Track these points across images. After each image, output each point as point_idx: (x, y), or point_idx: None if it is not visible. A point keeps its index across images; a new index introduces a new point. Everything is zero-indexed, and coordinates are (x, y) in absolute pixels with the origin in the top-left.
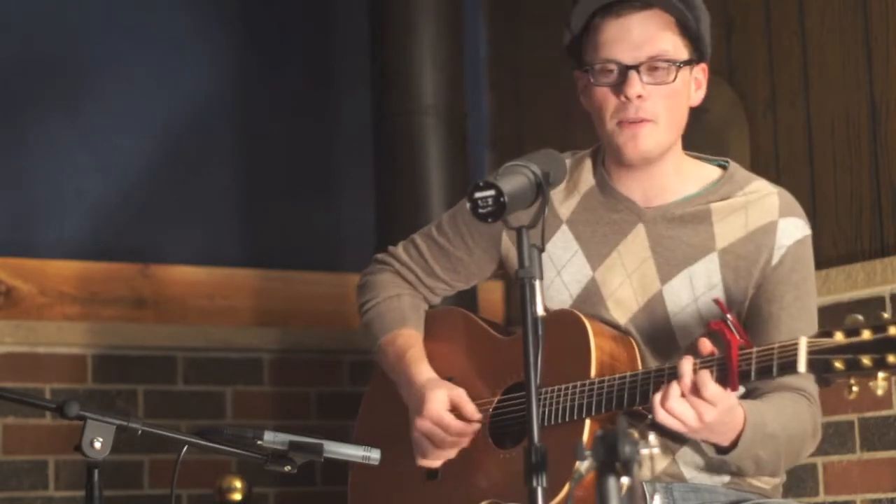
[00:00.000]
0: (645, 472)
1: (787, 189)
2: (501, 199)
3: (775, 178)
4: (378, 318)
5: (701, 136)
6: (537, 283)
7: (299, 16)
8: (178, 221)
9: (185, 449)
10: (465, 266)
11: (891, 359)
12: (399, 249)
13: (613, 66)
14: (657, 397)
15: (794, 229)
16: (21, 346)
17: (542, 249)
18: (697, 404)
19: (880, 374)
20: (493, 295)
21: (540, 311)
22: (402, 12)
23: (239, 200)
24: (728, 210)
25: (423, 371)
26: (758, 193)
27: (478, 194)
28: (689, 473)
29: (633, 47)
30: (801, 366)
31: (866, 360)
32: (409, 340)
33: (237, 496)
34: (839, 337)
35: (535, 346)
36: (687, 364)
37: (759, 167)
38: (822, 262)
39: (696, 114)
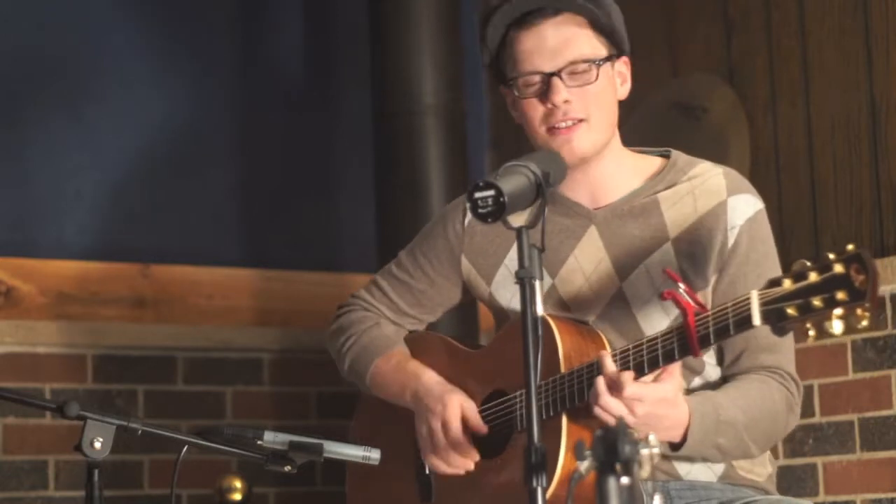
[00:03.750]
0: (643, 472)
1: (788, 189)
2: (501, 199)
3: (775, 178)
4: (363, 350)
5: (701, 136)
6: (537, 283)
7: (299, 16)
8: (178, 221)
9: (185, 449)
10: (428, 298)
11: (839, 295)
12: (361, 292)
13: (536, 77)
14: (591, 394)
15: (745, 206)
16: (21, 346)
17: (541, 249)
18: (625, 398)
19: (834, 313)
20: None
21: (540, 311)
22: (402, 12)
23: (239, 200)
24: (675, 197)
25: (433, 375)
26: (703, 176)
27: (478, 194)
28: (683, 468)
29: (552, 55)
30: (756, 319)
31: (817, 302)
32: (404, 356)
33: (237, 496)
34: (788, 284)
35: (535, 346)
36: (607, 360)
37: (759, 167)
38: None
39: (696, 114)
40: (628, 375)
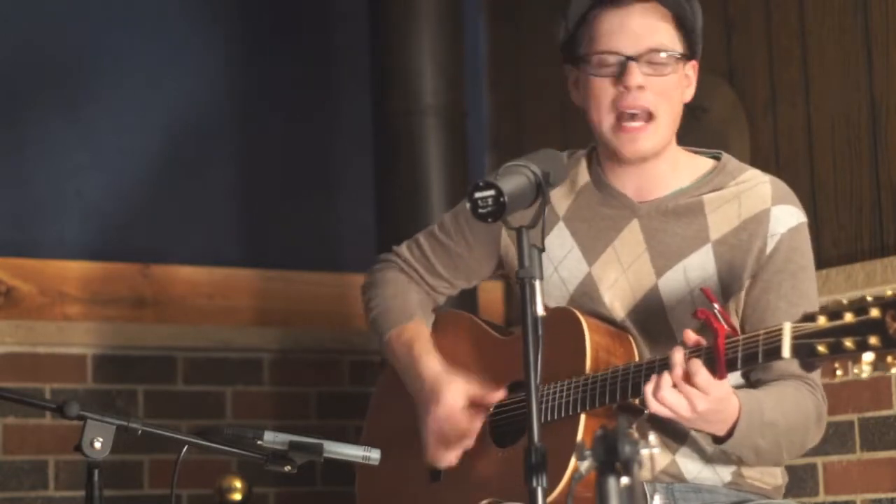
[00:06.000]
0: (645, 472)
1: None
2: (501, 199)
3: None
4: (384, 313)
5: (701, 136)
6: (537, 283)
7: (299, 16)
8: (178, 221)
9: (185, 449)
10: (465, 263)
11: (872, 340)
12: (402, 248)
13: (613, 58)
14: (649, 388)
15: (788, 217)
16: (21, 346)
17: (542, 249)
18: (689, 393)
19: (864, 357)
20: (492, 295)
21: (540, 311)
22: (402, 12)
23: (239, 200)
24: (720, 201)
25: (433, 364)
26: (750, 182)
27: (478, 194)
28: (690, 473)
29: (634, 38)
30: (786, 351)
31: (849, 343)
32: (416, 334)
33: (237, 496)
34: (822, 321)
35: (535, 346)
36: (678, 353)
37: (759, 167)
38: (822, 262)
39: (696, 114)
40: (698, 363)
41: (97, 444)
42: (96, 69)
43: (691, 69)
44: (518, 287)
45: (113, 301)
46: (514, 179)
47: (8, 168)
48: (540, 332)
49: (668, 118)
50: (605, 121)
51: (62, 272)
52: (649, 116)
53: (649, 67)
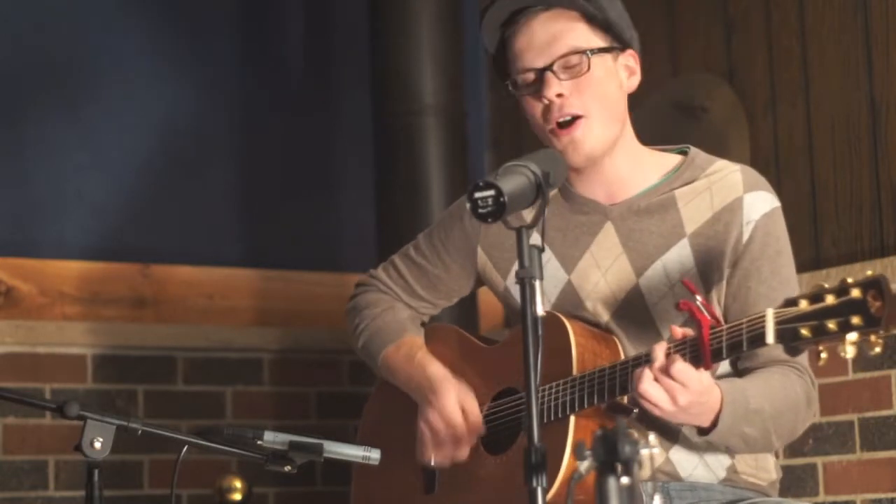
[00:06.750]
0: (644, 472)
1: (788, 189)
2: (501, 199)
3: (775, 178)
4: (375, 334)
5: (701, 136)
6: (537, 283)
7: (299, 16)
8: (178, 221)
9: (185, 449)
10: (443, 283)
11: (855, 320)
12: (379, 272)
13: (530, 74)
14: (634, 381)
15: (761, 203)
16: (21, 346)
17: (542, 249)
18: (669, 386)
19: (847, 338)
20: (493, 297)
21: (540, 311)
22: (402, 12)
23: (239, 200)
24: (692, 194)
25: (438, 367)
26: (720, 173)
27: (477, 194)
28: (685, 470)
29: (542, 49)
30: (770, 337)
31: (832, 325)
32: (415, 345)
33: (237, 496)
34: (804, 304)
35: (535, 346)
36: (659, 348)
37: (759, 167)
38: (821, 261)
39: (696, 114)
40: (675, 356)
41: (97, 444)
42: (96, 69)
43: (630, 58)
44: (518, 287)
45: (113, 301)
46: (514, 179)
47: (8, 168)
48: (540, 332)
49: (604, 114)
50: (544, 135)
51: (62, 272)
52: (578, 117)
53: (566, 72)
